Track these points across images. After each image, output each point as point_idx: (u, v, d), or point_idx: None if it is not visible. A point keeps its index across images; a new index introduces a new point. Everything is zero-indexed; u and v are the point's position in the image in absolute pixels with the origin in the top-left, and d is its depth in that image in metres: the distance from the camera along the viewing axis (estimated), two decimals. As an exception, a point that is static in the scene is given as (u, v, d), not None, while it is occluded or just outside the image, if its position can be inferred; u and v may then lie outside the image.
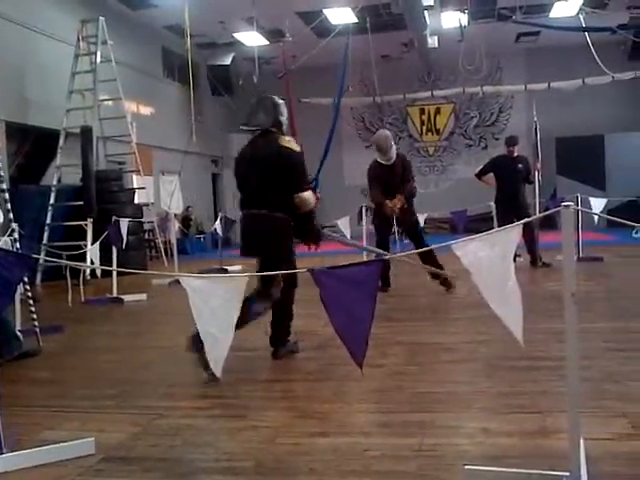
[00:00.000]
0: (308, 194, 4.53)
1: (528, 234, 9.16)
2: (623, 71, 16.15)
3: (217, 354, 2.85)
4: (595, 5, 14.40)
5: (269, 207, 4.39)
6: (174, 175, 15.35)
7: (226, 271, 10.16)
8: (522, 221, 2.65)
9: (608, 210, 10.87)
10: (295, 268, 4.46)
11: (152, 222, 13.74)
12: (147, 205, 13.46)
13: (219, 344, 2.84)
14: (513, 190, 9.56)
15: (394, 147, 7.62)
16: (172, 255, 10.56)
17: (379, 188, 7.60)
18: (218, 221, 11.29)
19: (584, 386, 2.78)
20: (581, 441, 2.40)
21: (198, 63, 16.84)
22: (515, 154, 9.70)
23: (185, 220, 16.39)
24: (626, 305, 6.37)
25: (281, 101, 4.72)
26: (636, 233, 12.12)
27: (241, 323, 3.46)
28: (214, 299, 2.77)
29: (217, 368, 3.09)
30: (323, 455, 2.89)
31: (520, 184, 9.71)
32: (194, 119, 13.95)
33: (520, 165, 9.68)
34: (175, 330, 6.03)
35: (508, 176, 9.60)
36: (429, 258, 7.07)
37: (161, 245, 13.45)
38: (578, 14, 14.86)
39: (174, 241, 10.71)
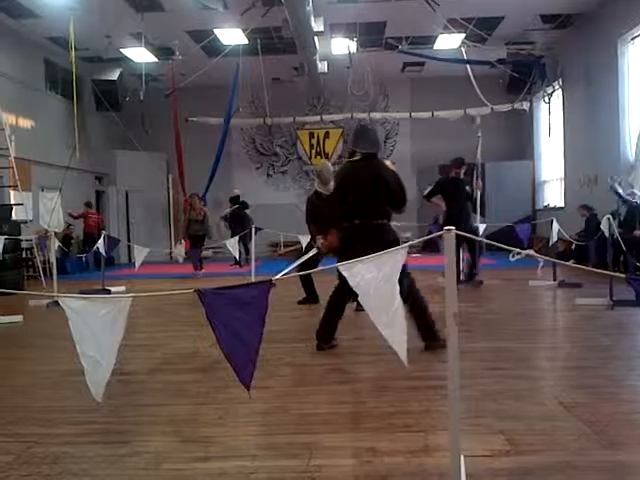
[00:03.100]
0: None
1: (471, 253, 9.67)
2: (502, 103, 17.04)
3: (98, 379, 2.73)
4: (476, 40, 15.17)
5: (379, 217, 5.36)
6: (55, 191, 14.74)
7: (109, 292, 9.83)
8: (407, 244, 2.71)
9: (487, 235, 11.36)
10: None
11: (30, 240, 13.10)
12: (25, 222, 12.83)
13: (100, 368, 2.72)
14: (459, 211, 9.69)
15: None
16: (51, 275, 10.09)
17: (312, 221, 7.65)
18: (101, 240, 10.91)
19: (464, 405, 2.87)
20: (461, 458, 2.48)
21: (83, 77, 16.28)
22: (462, 176, 9.92)
23: (66, 238, 15.73)
24: (503, 326, 6.67)
25: None
26: (512, 257, 12.74)
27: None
28: (95, 321, 2.66)
29: (98, 393, 2.97)
30: (208, 480, 2.83)
31: (466, 205, 9.88)
32: (77, 134, 13.50)
33: (467, 186, 9.90)
34: (53, 354, 5.77)
35: (455, 197, 9.75)
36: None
37: (39, 264, 12.84)
38: (460, 47, 15.61)
39: (53, 260, 10.23)
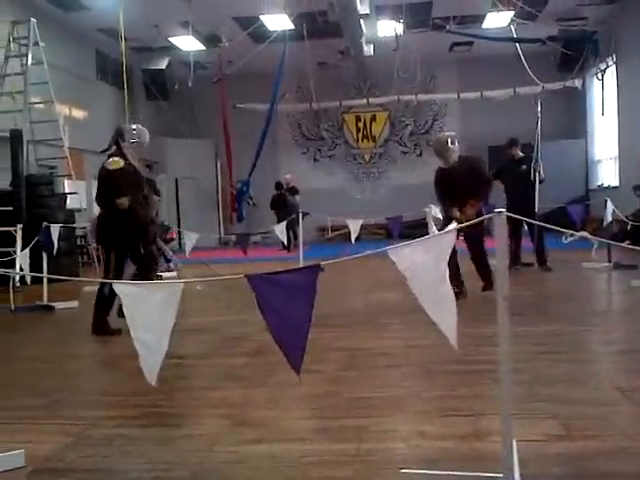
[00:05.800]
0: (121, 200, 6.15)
1: (537, 239, 9.41)
2: (553, 81, 16.65)
3: (152, 362, 2.79)
4: (526, 17, 14.83)
5: None
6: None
7: (161, 278, 9.99)
8: (455, 227, 2.69)
9: (539, 216, 11.13)
10: None
11: (84, 228, 13.40)
12: (79, 210, 13.13)
13: (154, 352, 2.78)
14: (517, 194, 9.34)
15: (453, 150, 7.07)
16: (105, 262, 10.29)
17: (442, 194, 7.26)
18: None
19: (516, 389, 2.84)
20: (514, 443, 2.45)
21: (133, 67, 16.53)
22: (518, 156, 9.60)
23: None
24: (555, 309, 6.57)
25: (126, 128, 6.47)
26: (565, 239, 12.46)
27: None
28: (149, 306, 2.72)
29: (152, 377, 3.04)
30: (260, 462, 2.86)
31: (526, 187, 9.42)
32: (129, 123, 13.71)
33: (524, 167, 9.47)
34: (107, 338, 5.90)
35: (512, 180, 9.41)
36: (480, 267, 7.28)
37: (93, 251, 13.12)
38: (509, 25, 15.28)
39: (107, 247, 10.41)
